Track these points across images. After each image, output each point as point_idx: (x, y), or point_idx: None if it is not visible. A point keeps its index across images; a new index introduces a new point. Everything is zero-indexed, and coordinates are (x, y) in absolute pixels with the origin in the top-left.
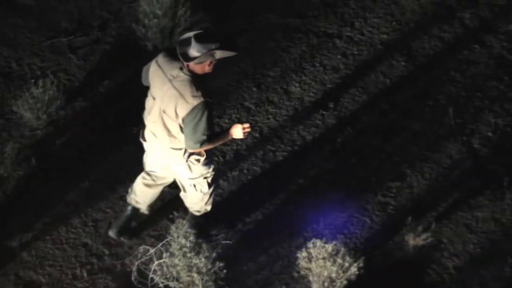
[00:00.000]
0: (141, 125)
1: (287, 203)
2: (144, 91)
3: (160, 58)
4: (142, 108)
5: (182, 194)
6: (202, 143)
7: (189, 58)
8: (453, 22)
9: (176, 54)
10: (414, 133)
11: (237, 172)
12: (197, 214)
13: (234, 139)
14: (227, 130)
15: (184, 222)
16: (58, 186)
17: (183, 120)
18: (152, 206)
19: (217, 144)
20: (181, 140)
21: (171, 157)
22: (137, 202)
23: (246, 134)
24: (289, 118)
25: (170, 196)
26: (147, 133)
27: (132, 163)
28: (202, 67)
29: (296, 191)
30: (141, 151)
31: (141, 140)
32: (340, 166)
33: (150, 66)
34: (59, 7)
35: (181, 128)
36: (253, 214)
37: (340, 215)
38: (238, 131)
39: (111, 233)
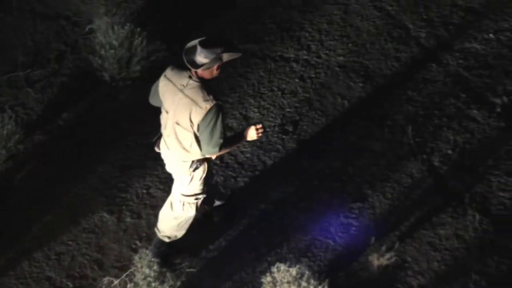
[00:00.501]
0: (158, 136)
1: (249, 228)
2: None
3: (168, 71)
4: (102, 138)
5: (162, 213)
6: (220, 147)
7: (197, 65)
8: (409, 42)
9: (182, 65)
10: (374, 154)
11: None
12: (166, 240)
13: (248, 141)
14: (241, 133)
15: (147, 251)
16: (19, 220)
17: (198, 126)
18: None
19: (233, 146)
20: (192, 152)
21: (179, 168)
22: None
23: (260, 135)
24: (249, 144)
25: (132, 226)
26: (162, 143)
27: (93, 195)
28: (211, 72)
29: (258, 216)
30: (102, 183)
31: (156, 149)
32: (302, 189)
33: (159, 82)
34: (15, 41)
35: (195, 137)
36: (217, 241)
37: (304, 238)
38: (252, 133)
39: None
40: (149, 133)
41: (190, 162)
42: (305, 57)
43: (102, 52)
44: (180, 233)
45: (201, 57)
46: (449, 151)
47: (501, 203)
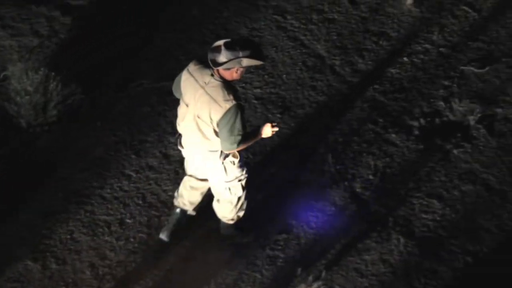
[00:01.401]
0: (178, 135)
1: (174, 267)
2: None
3: (191, 66)
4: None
5: (214, 204)
6: (238, 144)
7: (217, 64)
8: (324, 70)
9: (206, 62)
10: (297, 184)
11: (123, 241)
12: (231, 222)
13: (263, 138)
14: (258, 130)
15: None
16: None
17: (217, 124)
18: (198, 207)
19: (250, 143)
20: (215, 142)
21: (208, 160)
22: (184, 204)
23: (274, 132)
24: (170, 182)
25: (57, 272)
26: (183, 140)
27: (16, 243)
28: (231, 73)
29: (183, 254)
30: (25, 230)
31: (179, 147)
32: None
33: (182, 75)
34: None
35: (215, 132)
36: (142, 281)
37: (230, 273)
38: (267, 130)
39: (163, 237)
40: (68, 178)
41: (219, 151)
42: None
43: (18, 98)
44: (241, 213)
45: (222, 57)
46: (370, 176)
47: (424, 225)
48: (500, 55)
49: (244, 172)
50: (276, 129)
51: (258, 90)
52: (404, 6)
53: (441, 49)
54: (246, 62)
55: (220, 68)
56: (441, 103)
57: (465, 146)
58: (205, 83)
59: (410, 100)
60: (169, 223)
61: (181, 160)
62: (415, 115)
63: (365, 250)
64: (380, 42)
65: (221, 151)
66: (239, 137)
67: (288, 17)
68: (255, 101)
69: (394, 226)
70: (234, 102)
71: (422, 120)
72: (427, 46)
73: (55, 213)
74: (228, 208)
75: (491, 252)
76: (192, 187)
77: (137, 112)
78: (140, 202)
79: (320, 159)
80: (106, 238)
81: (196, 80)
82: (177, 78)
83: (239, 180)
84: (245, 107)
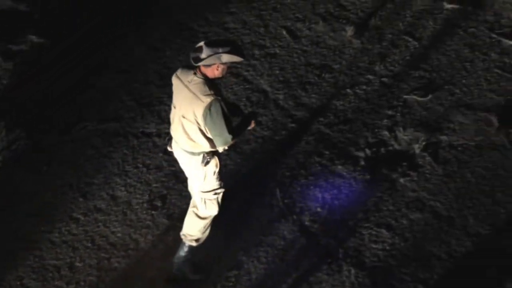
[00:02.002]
0: (169, 137)
1: None
2: None
3: (179, 71)
4: None
5: (187, 219)
6: (233, 135)
7: (198, 60)
8: (268, 105)
9: (192, 66)
10: (245, 219)
11: (73, 285)
12: (194, 244)
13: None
14: (246, 119)
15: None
16: None
17: (203, 121)
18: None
19: (242, 133)
20: (199, 143)
21: (191, 163)
22: (183, 235)
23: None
24: (119, 223)
25: None
26: (173, 142)
27: None
28: (212, 70)
29: None
30: None
31: (168, 148)
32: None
33: (172, 80)
34: None
35: (200, 130)
36: None
37: None
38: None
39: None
40: (15, 223)
41: (201, 157)
42: (167, 130)
43: None
44: (205, 235)
45: (203, 54)
46: (319, 209)
47: (374, 255)
48: (442, 83)
49: (221, 186)
50: (254, 125)
51: None
52: (345, 38)
53: (383, 79)
54: (225, 58)
55: (201, 65)
56: (386, 132)
57: (411, 175)
58: (188, 81)
59: (355, 131)
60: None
61: (128, 201)
62: (361, 145)
63: (316, 283)
64: (323, 75)
65: (203, 156)
66: (230, 130)
67: None
68: None
69: (345, 258)
70: (214, 97)
71: (367, 151)
72: (370, 76)
73: (3, 260)
74: (197, 225)
75: (441, 279)
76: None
77: (82, 154)
78: (89, 245)
79: (268, 193)
80: (56, 283)
81: (182, 81)
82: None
83: (215, 193)
84: None
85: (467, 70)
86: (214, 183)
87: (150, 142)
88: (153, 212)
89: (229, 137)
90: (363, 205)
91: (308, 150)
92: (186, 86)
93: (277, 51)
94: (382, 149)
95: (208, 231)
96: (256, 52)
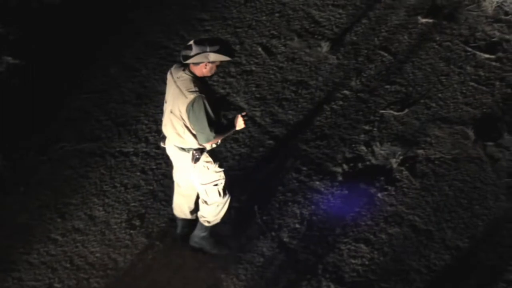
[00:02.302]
0: (162, 133)
1: None
2: None
3: (173, 68)
4: None
5: (200, 201)
6: (214, 134)
7: (186, 58)
8: (246, 122)
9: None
10: (224, 237)
11: None
12: (206, 224)
13: (237, 130)
14: (232, 122)
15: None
16: None
17: (187, 117)
18: (194, 211)
19: (226, 134)
20: (186, 139)
21: (182, 159)
22: (181, 212)
23: (245, 122)
24: (97, 243)
25: None
26: (166, 139)
27: None
28: (200, 69)
29: None
30: None
31: (161, 144)
32: (155, 282)
33: (167, 77)
34: None
35: (186, 127)
36: None
37: None
38: (240, 122)
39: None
40: None
41: (191, 154)
42: (144, 149)
43: None
44: (217, 219)
45: (191, 52)
46: (297, 225)
47: (354, 270)
48: (418, 97)
49: (221, 177)
50: (246, 118)
51: None
52: (320, 54)
53: (359, 94)
54: (213, 57)
55: (190, 63)
56: (363, 147)
57: (389, 189)
58: (177, 77)
59: (332, 146)
60: (178, 227)
61: (106, 220)
62: (338, 161)
63: None
64: (299, 91)
65: (192, 154)
66: (213, 127)
67: None
68: None
69: (324, 273)
70: (198, 94)
71: (345, 166)
72: (346, 92)
73: None
74: (206, 209)
75: None
76: (179, 193)
77: (59, 175)
78: (68, 265)
79: (246, 211)
80: None
81: (172, 77)
82: None
83: (215, 185)
84: (168, 163)
85: (443, 83)
86: (210, 176)
87: (128, 161)
88: (131, 231)
89: (211, 135)
90: (341, 220)
91: (285, 167)
92: (175, 82)
93: (253, 68)
94: (360, 164)
95: (221, 214)
96: (232, 69)
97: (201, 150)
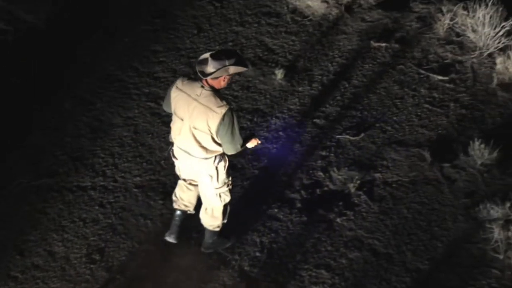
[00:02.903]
0: (170, 147)
1: None
2: None
3: (179, 83)
4: None
5: (202, 214)
6: (242, 143)
7: (206, 74)
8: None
9: (192, 78)
10: (185, 268)
11: None
12: (217, 230)
13: (247, 147)
14: (251, 136)
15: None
16: None
17: (217, 129)
18: (195, 206)
19: (246, 146)
20: (210, 149)
21: (203, 167)
22: (185, 205)
23: (259, 142)
24: (58, 279)
25: None
26: (177, 151)
27: None
28: (219, 82)
29: None
30: None
31: (173, 158)
32: None
33: (171, 92)
34: None
35: (213, 139)
36: None
37: None
38: (254, 142)
39: (171, 239)
40: None
41: (213, 158)
42: (102, 183)
43: None
44: (225, 220)
45: (210, 67)
46: (257, 253)
47: None
48: (373, 121)
49: (230, 178)
50: (259, 142)
51: (138, 178)
52: (275, 82)
53: (315, 120)
54: (232, 69)
55: (209, 78)
56: (320, 173)
57: (348, 214)
58: (197, 95)
59: (289, 173)
60: (174, 226)
61: (66, 256)
62: (296, 188)
63: None
64: (255, 119)
65: (215, 157)
66: (241, 139)
67: (161, 102)
68: (135, 190)
69: None
70: (228, 106)
71: (303, 192)
72: (301, 118)
73: None
74: (216, 215)
75: None
76: (189, 188)
77: (17, 212)
78: None
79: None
80: None
81: (189, 95)
82: (166, 96)
83: (227, 186)
84: (126, 196)
85: (398, 107)
86: (225, 177)
87: (86, 196)
88: (91, 265)
89: (239, 145)
90: (301, 247)
91: (244, 195)
92: (195, 100)
93: None
94: (318, 190)
95: (226, 218)
96: None
97: (223, 154)
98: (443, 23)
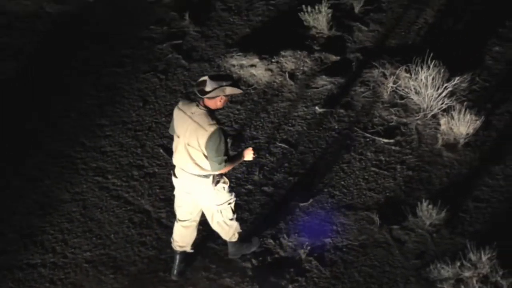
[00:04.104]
0: (172, 166)
1: None
2: None
3: (180, 104)
4: None
5: (215, 227)
6: (225, 163)
7: (204, 92)
8: (151, 224)
9: (191, 99)
10: None
11: None
12: (236, 238)
13: (245, 160)
14: (241, 153)
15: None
16: None
17: (205, 146)
18: (194, 244)
19: (235, 164)
20: (204, 167)
21: (200, 185)
22: (181, 246)
23: (254, 156)
24: None
25: None
26: (177, 170)
27: None
28: (215, 102)
29: None
30: None
31: (173, 177)
32: None
33: (174, 113)
34: None
35: (204, 155)
36: None
37: None
38: (249, 154)
39: (174, 277)
40: None
41: (211, 178)
42: (52, 260)
43: None
44: (239, 229)
45: (207, 87)
46: None
47: None
48: (321, 186)
49: (233, 196)
50: (254, 154)
51: (88, 253)
52: None
53: (263, 188)
54: (229, 90)
55: (206, 98)
56: (271, 241)
57: (300, 280)
58: (192, 113)
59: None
60: (174, 264)
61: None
62: (247, 256)
63: None
64: None
65: (213, 177)
66: (225, 157)
67: (109, 176)
68: (86, 265)
69: None
70: (217, 126)
71: (254, 261)
72: (250, 187)
73: None
74: (226, 228)
75: None
76: (185, 227)
77: None
78: None
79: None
80: None
81: (185, 113)
82: (172, 121)
83: (229, 204)
84: (77, 271)
85: (345, 171)
86: (226, 196)
87: (36, 273)
88: None
89: (223, 163)
90: None
91: (194, 265)
92: (190, 117)
93: (156, 170)
94: (269, 258)
95: (239, 226)
96: (135, 172)
97: (221, 174)
98: (387, 87)
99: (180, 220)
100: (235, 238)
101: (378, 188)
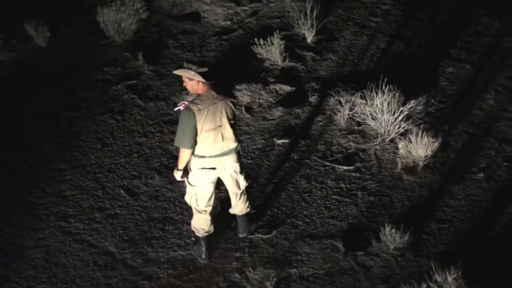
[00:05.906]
0: (210, 166)
1: None
2: None
3: (195, 108)
4: None
5: (235, 204)
6: (178, 143)
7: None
8: (116, 266)
9: (198, 98)
10: None
11: None
12: (249, 209)
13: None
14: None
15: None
16: None
17: (235, 112)
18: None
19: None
20: (236, 136)
21: (235, 156)
22: (208, 231)
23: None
24: None
25: None
26: (212, 162)
27: None
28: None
29: None
30: None
31: (208, 173)
32: None
33: (195, 120)
34: None
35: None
36: None
37: None
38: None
39: (204, 261)
40: None
41: (239, 150)
42: None
43: None
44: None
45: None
46: None
47: None
48: (284, 217)
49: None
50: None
51: None
52: (183, 188)
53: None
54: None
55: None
56: (237, 275)
57: None
58: (215, 98)
59: (205, 278)
60: (203, 249)
61: None
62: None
63: None
64: (166, 228)
65: (237, 145)
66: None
67: (72, 220)
68: None
69: None
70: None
71: None
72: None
73: None
74: (244, 196)
75: None
76: (208, 214)
77: None
78: None
79: None
80: None
81: (209, 104)
82: (186, 134)
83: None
84: None
85: (307, 201)
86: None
87: None
88: None
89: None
90: None
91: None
92: (215, 103)
93: (118, 211)
94: None
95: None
96: (97, 215)
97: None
98: (343, 114)
99: (205, 212)
100: (249, 208)
101: (341, 215)
